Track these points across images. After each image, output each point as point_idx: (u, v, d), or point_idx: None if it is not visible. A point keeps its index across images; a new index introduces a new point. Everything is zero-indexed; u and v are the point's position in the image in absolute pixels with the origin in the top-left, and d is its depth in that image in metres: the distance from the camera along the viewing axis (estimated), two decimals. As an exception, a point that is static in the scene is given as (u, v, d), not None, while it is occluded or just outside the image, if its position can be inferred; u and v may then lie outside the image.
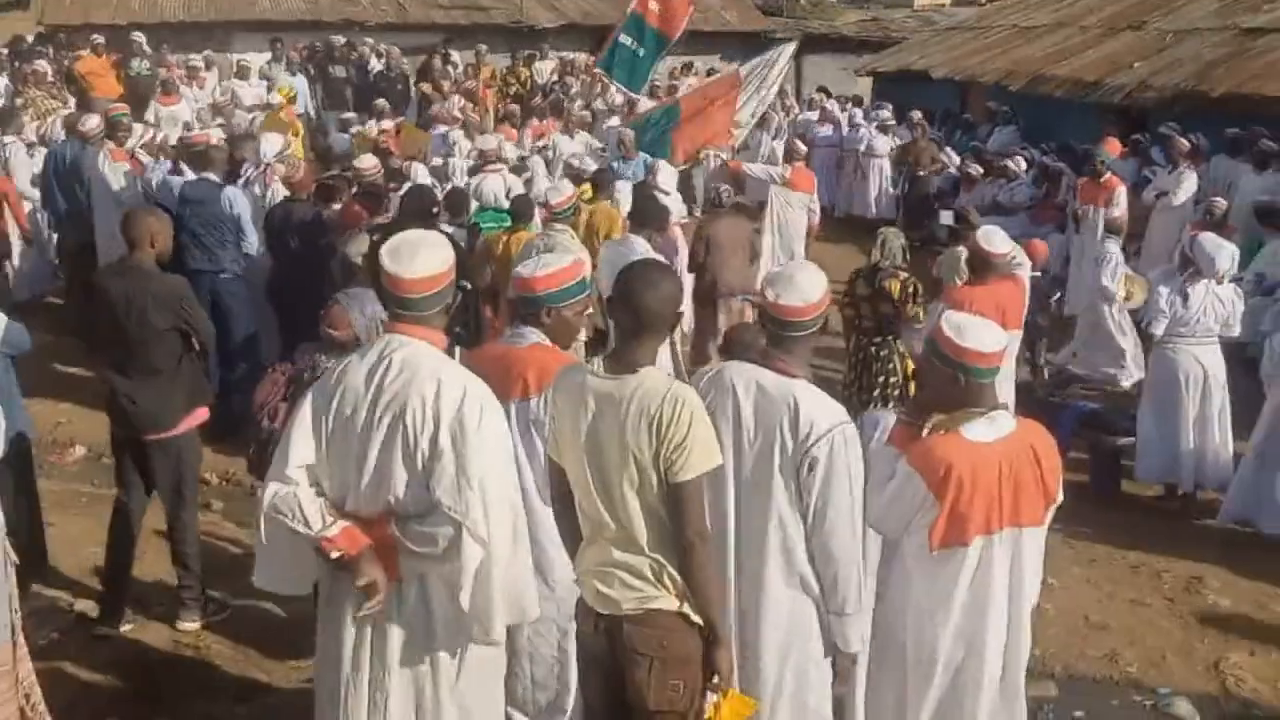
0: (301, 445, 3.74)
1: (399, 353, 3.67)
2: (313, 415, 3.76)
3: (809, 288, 4.00)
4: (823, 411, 3.88)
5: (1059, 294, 11.30)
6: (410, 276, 3.64)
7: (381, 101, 16.35)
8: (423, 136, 14.16)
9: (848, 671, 4.09)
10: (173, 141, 11.37)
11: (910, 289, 7.66)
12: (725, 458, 3.79)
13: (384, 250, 3.71)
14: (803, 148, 14.32)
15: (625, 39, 12.03)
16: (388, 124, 14.76)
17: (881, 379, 7.84)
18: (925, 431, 4.18)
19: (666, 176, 12.43)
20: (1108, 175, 12.15)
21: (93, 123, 10.57)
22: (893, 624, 4.22)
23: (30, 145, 11.95)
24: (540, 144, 14.45)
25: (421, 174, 11.15)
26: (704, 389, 3.97)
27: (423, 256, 3.67)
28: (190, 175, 9.53)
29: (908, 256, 8.01)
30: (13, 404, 6.13)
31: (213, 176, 9.19)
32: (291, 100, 16.16)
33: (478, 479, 3.57)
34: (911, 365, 7.60)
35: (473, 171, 12.02)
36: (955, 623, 4.12)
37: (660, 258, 7.36)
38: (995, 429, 4.09)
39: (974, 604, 4.12)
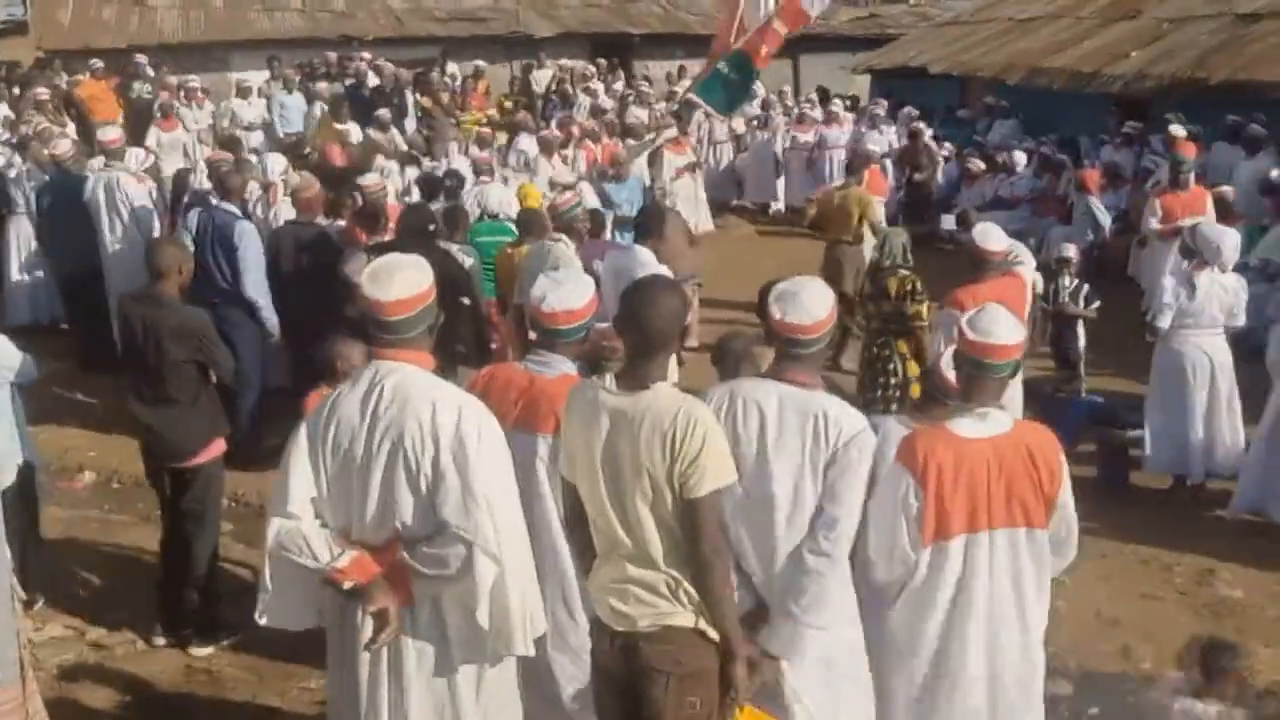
0: (301, 480, 3.74)
1: (389, 379, 3.67)
2: (309, 449, 3.75)
3: (815, 305, 4.02)
4: (849, 418, 3.96)
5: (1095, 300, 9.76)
6: (389, 299, 3.64)
7: (384, 112, 16.09)
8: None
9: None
10: (169, 170, 11.23)
11: (908, 286, 7.68)
12: (748, 472, 3.84)
13: (364, 275, 3.73)
14: (875, 151, 14.28)
15: (724, 68, 12.41)
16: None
17: (882, 380, 7.86)
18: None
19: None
20: (1193, 185, 10.97)
21: (63, 146, 10.49)
22: (889, 624, 4.22)
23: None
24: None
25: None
26: (719, 407, 3.97)
27: (400, 279, 3.67)
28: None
29: (908, 255, 8.05)
30: (20, 433, 6.16)
31: (231, 207, 8.78)
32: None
33: (484, 496, 3.58)
34: (915, 367, 7.59)
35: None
36: (939, 621, 4.13)
37: (666, 269, 7.37)
38: (986, 426, 4.08)
39: (961, 603, 4.11)
